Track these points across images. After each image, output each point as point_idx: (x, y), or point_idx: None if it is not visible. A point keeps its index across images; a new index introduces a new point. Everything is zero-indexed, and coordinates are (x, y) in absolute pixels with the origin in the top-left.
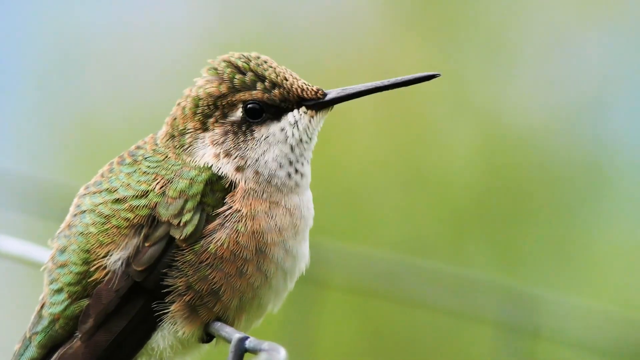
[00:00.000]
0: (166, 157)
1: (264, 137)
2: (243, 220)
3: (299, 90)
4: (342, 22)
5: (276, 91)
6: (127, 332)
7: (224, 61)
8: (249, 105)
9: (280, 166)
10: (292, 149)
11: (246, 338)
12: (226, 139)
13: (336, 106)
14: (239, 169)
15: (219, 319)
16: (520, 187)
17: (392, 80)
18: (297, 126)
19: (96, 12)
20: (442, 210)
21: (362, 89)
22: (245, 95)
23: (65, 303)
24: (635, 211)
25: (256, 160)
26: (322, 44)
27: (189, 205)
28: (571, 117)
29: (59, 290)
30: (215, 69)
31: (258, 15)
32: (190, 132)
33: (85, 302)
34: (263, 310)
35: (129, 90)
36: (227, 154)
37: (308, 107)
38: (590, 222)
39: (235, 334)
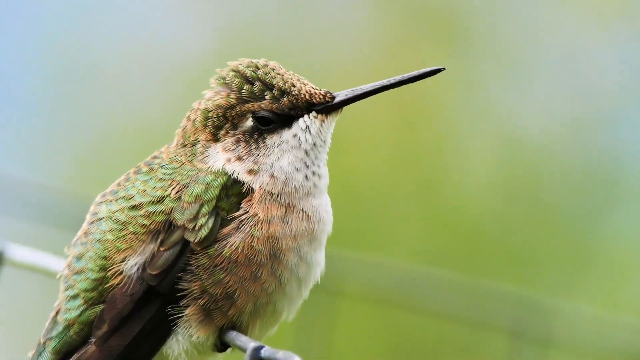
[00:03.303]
0: (182, 164)
1: (276, 144)
2: (259, 225)
3: (307, 95)
4: (358, 32)
5: (285, 99)
6: (141, 337)
7: (232, 70)
8: (258, 115)
9: (297, 170)
10: (307, 153)
11: (261, 347)
12: (238, 146)
13: (352, 115)
14: (251, 172)
15: (233, 325)
16: (537, 196)
17: (399, 77)
18: (310, 131)
19: (106, 19)
20: (458, 220)
21: (370, 88)
22: (253, 106)
23: (81, 309)
24: None
25: (271, 166)
26: (339, 52)
27: (205, 209)
28: (589, 127)
29: (74, 297)
30: (224, 79)
31: (268, 19)
32: (202, 142)
33: (100, 308)
34: (277, 317)
35: (143, 98)
36: (239, 158)
37: (318, 112)
38: (607, 233)
39: (250, 343)
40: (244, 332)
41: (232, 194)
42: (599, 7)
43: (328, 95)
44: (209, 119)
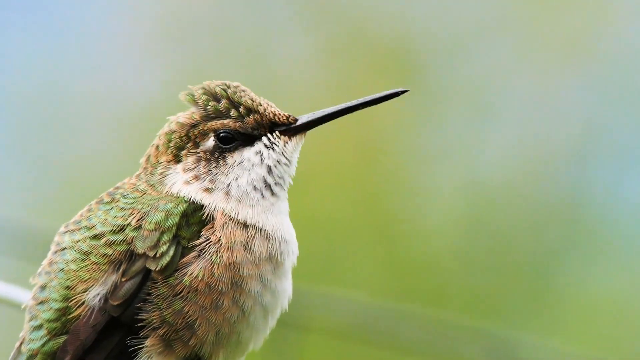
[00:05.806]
0: (144, 193)
1: (237, 162)
2: (219, 252)
3: (272, 115)
4: (317, 76)
5: (250, 118)
6: None
7: (202, 88)
8: (221, 134)
9: (255, 189)
10: (269, 171)
11: None
12: (198, 165)
13: (314, 154)
14: (207, 190)
15: (197, 356)
16: (499, 236)
17: (361, 99)
18: (273, 149)
19: (74, 52)
20: (420, 259)
21: (332, 111)
22: (216, 124)
23: (44, 339)
24: (613, 260)
25: (228, 185)
26: (297, 95)
27: (165, 237)
28: (551, 167)
29: (38, 327)
30: (192, 95)
31: (225, 67)
32: (163, 164)
33: (63, 339)
34: (243, 347)
35: (108, 132)
36: (196, 177)
37: (281, 132)
38: (569, 271)
39: None
40: None
41: (192, 222)
42: (562, 47)
43: (291, 117)
44: (172, 140)
